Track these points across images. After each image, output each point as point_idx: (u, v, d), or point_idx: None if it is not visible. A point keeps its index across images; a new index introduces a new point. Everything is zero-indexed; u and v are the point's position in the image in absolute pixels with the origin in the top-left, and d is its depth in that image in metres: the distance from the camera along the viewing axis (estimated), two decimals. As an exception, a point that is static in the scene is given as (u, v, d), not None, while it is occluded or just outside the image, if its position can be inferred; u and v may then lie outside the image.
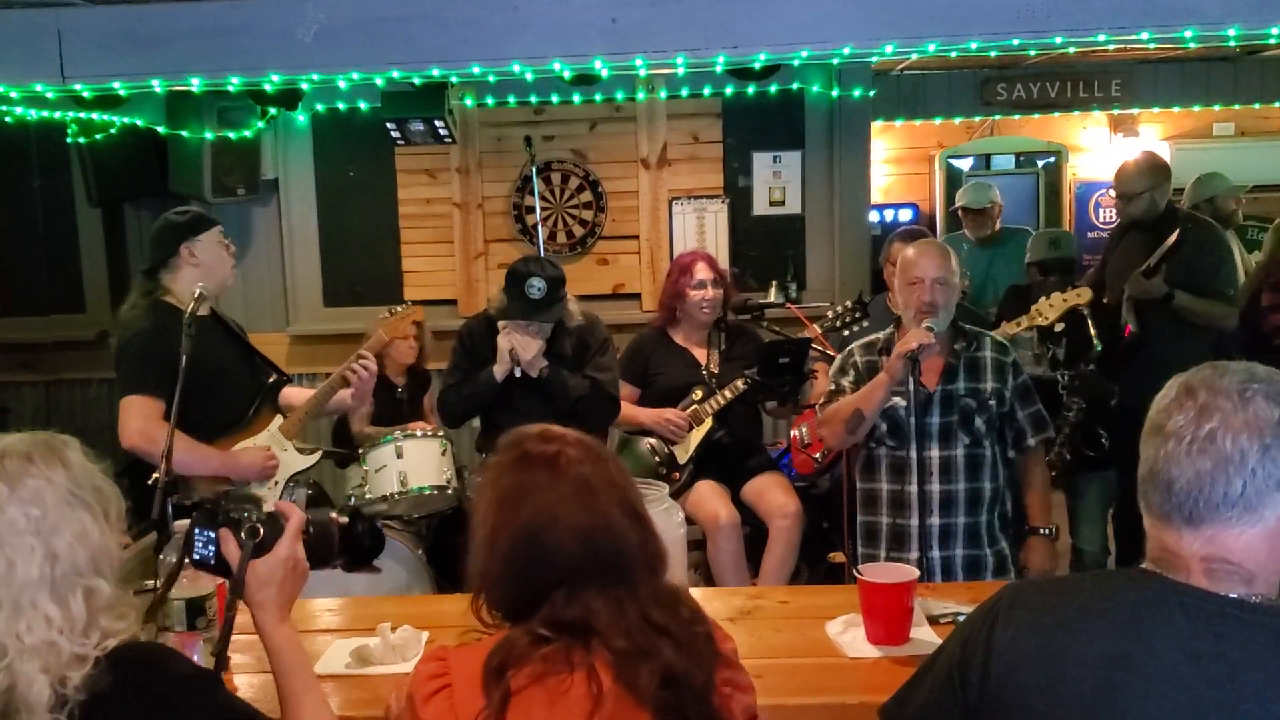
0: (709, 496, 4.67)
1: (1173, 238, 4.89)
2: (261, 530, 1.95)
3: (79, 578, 1.72)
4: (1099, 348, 4.53)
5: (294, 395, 4.30)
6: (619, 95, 6.60)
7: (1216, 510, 1.55)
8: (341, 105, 6.59)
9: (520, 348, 4.26)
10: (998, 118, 7.82)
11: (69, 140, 6.20)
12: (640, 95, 6.61)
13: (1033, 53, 6.37)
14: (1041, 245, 5.15)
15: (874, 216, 7.23)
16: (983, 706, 1.68)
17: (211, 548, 1.97)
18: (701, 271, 4.82)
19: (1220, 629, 1.54)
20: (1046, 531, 3.84)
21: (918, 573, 2.84)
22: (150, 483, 3.20)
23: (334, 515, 2.11)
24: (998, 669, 1.66)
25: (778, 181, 6.77)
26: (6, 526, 1.70)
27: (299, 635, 2.00)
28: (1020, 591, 1.75)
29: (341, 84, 4.28)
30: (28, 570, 1.69)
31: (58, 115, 5.60)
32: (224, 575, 1.97)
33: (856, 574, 2.78)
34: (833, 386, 3.89)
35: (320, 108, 6.64)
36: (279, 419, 4.15)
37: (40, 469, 1.74)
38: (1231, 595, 1.56)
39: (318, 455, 4.34)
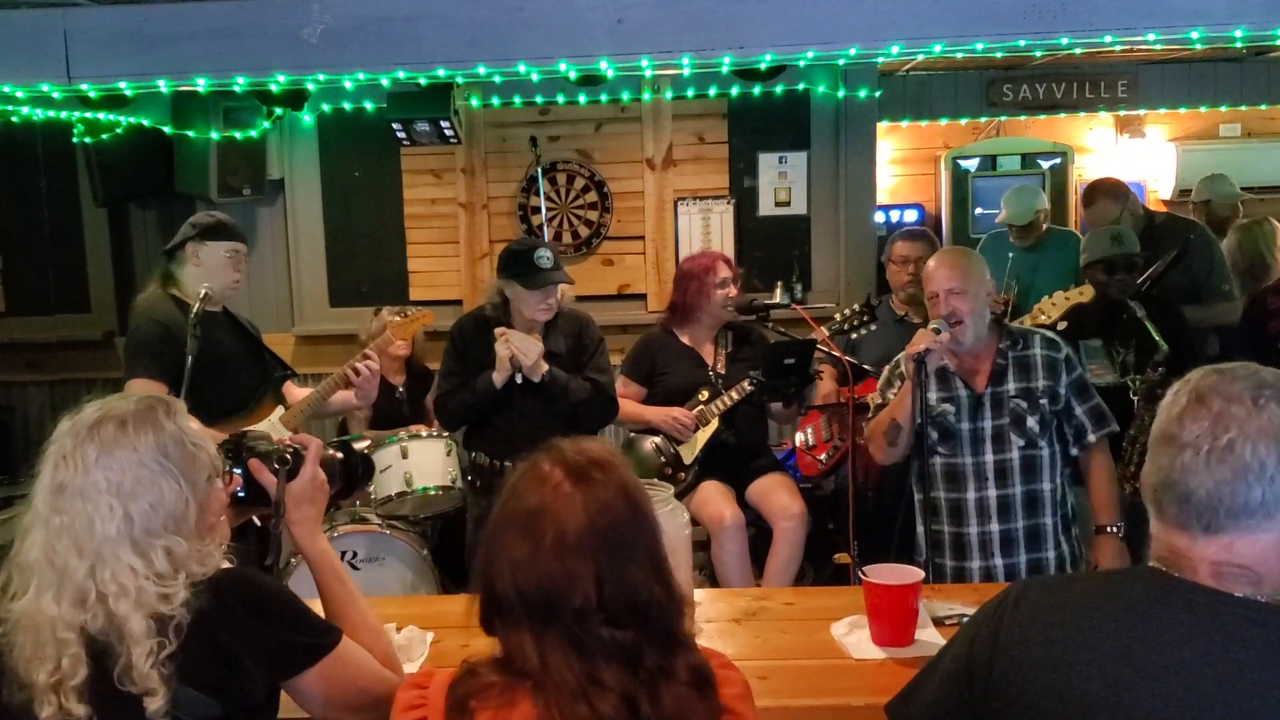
0: (714, 497, 4.67)
1: (1167, 259, 4.94)
2: (290, 459, 2.23)
3: (155, 538, 1.90)
4: (1165, 348, 4.39)
5: (298, 392, 4.32)
6: (624, 96, 6.60)
7: (1237, 519, 1.56)
8: (347, 105, 6.59)
9: (521, 354, 4.24)
10: (1003, 119, 7.79)
11: (75, 140, 6.21)
12: (646, 96, 6.60)
13: (1039, 53, 6.36)
14: (1102, 243, 4.83)
15: (880, 217, 7.22)
16: (988, 703, 1.68)
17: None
18: (724, 270, 4.87)
19: (1226, 627, 1.54)
20: (1115, 529, 3.69)
21: (922, 574, 2.85)
22: None
23: (331, 451, 2.40)
24: (1004, 666, 1.67)
25: (783, 182, 6.76)
26: (91, 486, 1.88)
27: (331, 548, 2.27)
28: (1027, 589, 1.75)
29: (347, 84, 4.27)
30: (106, 528, 1.87)
31: (64, 115, 5.60)
32: (256, 504, 2.24)
33: (861, 575, 2.78)
34: (879, 400, 3.85)
35: (326, 108, 6.64)
36: (280, 410, 4.18)
37: (130, 437, 1.92)
38: (1238, 594, 1.56)
39: None
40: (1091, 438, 3.69)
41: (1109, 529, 3.69)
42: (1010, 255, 6.06)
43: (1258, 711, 1.49)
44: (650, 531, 1.74)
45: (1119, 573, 1.74)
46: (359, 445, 2.61)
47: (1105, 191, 5.49)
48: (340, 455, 2.42)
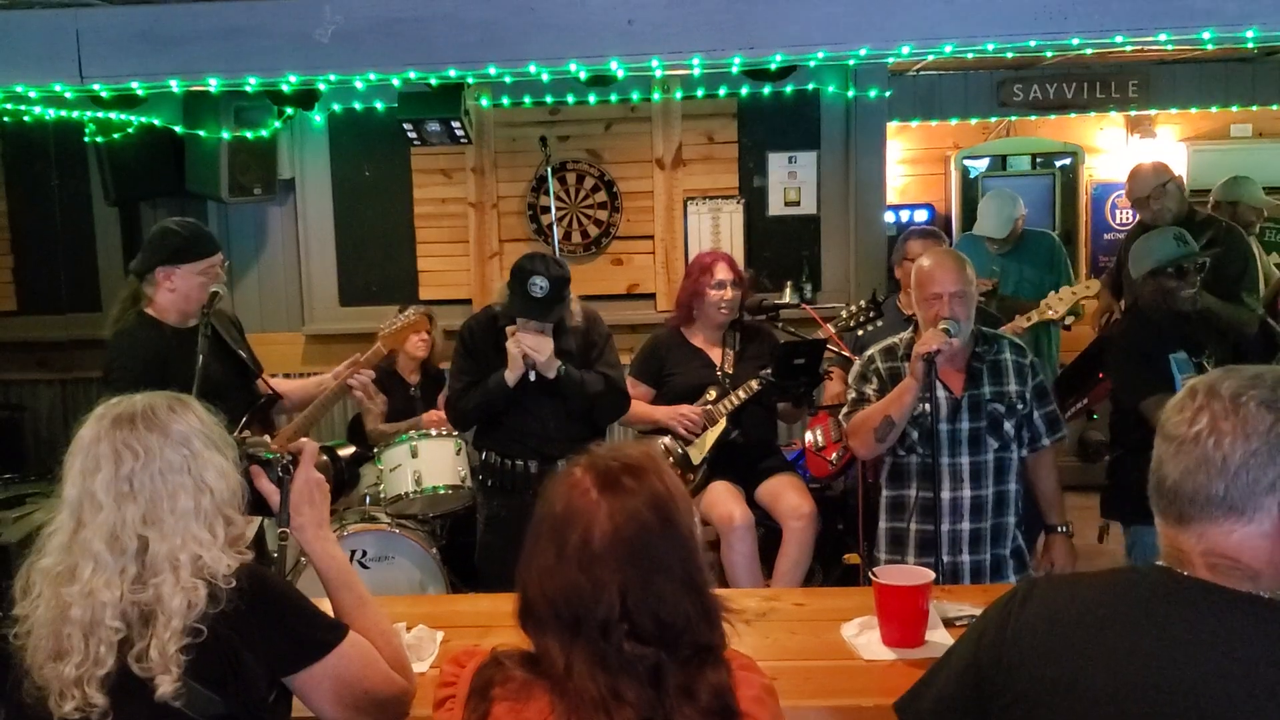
0: (723, 497, 4.66)
1: (1204, 243, 4.84)
2: (292, 468, 2.26)
3: (222, 507, 2.02)
4: None
5: (290, 388, 4.27)
6: (634, 96, 6.61)
7: (1202, 509, 1.58)
8: (358, 105, 6.61)
9: (534, 352, 4.20)
10: (1014, 119, 7.77)
11: (87, 140, 6.24)
12: (656, 96, 6.61)
13: (1049, 54, 6.35)
14: (1166, 244, 4.43)
15: (889, 217, 7.21)
16: (996, 699, 1.69)
17: None
18: (721, 271, 4.80)
19: (1231, 624, 1.55)
20: (1063, 529, 3.87)
21: (933, 575, 2.84)
22: None
23: (320, 456, 2.41)
24: (1011, 662, 1.68)
25: (793, 182, 6.77)
26: (168, 466, 1.98)
27: (342, 552, 2.29)
28: (1034, 587, 1.76)
29: (358, 84, 4.27)
30: (186, 502, 1.97)
31: (76, 115, 5.63)
32: (255, 512, 2.24)
33: (872, 576, 2.78)
34: (854, 395, 3.86)
35: (337, 108, 6.66)
36: (265, 439, 4.08)
37: (180, 416, 2.03)
38: (1242, 590, 1.57)
39: None
40: (1045, 442, 3.83)
41: (1059, 529, 3.88)
42: (989, 255, 6.03)
43: (1263, 709, 1.49)
44: (683, 542, 1.70)
45: (1127, 570, 1.75)
46: (343, 452, 2.60)
47: (1149, 165, 5.41)
48: (325, 459, 2.44)
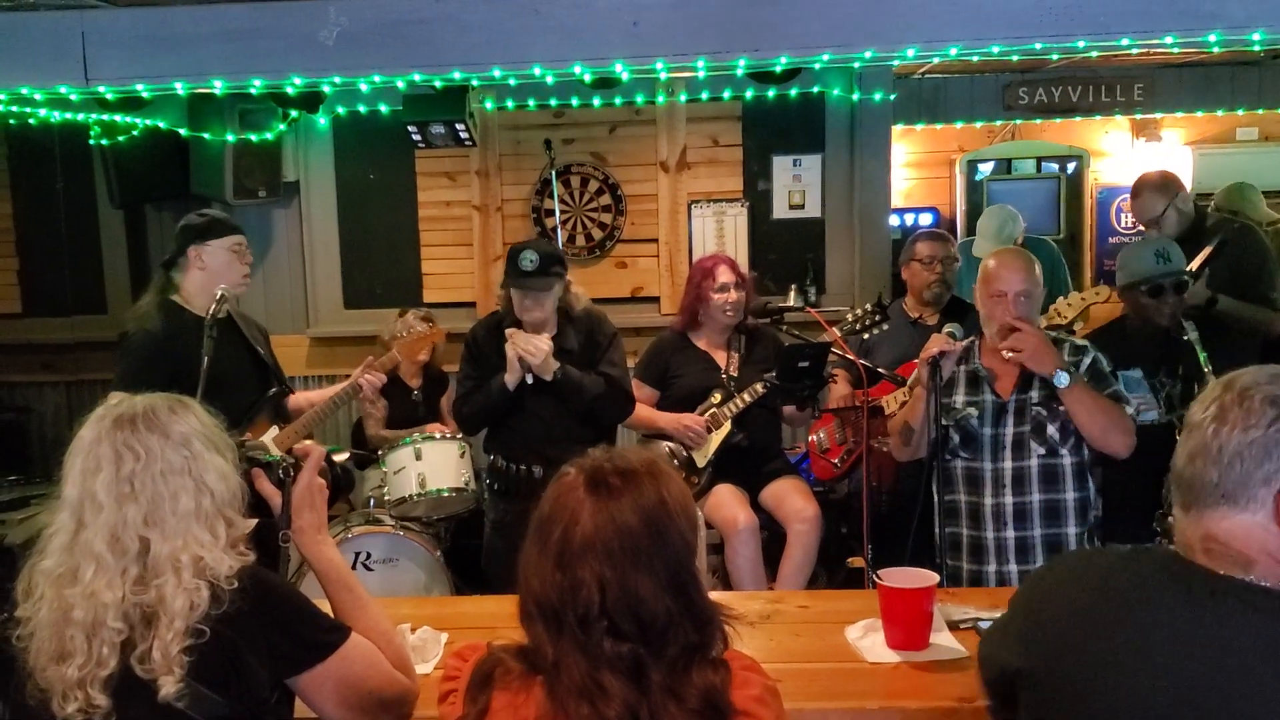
0: (728, 500, 4.66)
1: (1213, 244, 4.78)
2: (294, 471, 2.28)
3: (223, 508, 2.03)
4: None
5: (311, 396, 4.28)
6: (639, 98, 6.60)
7: (1199, 496, 1.64)
8: (362, 108, 6.60)
9: (528, 354, 4.20)
10: (1019, 122, 7.78)
11: (92, 142, 6.24)
12: (660, 98, 6.60)
13: (1055, 56, 6.34)
14: (1144, 260, 4.21)
15: (894, 220, 7.21)
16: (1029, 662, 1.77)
17: None
18: (724, 275, 4.80)
19: (1220, 609, 1.58)
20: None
21: (937, 577, 2.84)
22: None
23: None
24: (1035, 642, 1.77)
25: (798, 185, 6.75)
26: (168, 467, 1.99)
27: (339, 555, 2.31)
28: (1054, 565, 1.88)
29: (363, 87, 4.28)
30: (187, 503, 1.99)
31: (81, 117, 5.63)
32: (254, 514, 2.24)
33: (876, 579, 2.77)
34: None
35: (341, 110, 6.64)
36: (274, 429, 4.12)
37: (181, 418, 2.05)
38: (1238, 577, 1.60)
39: None
40: None
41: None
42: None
43: (1246, 694, 1.52)
44: (670, 544, 1.71)
45: (1137, 550, 1.79)
46: (339, 457, 2.61)
47: (1151, 184, 5.16)
48: (322, 464, 2.45)
